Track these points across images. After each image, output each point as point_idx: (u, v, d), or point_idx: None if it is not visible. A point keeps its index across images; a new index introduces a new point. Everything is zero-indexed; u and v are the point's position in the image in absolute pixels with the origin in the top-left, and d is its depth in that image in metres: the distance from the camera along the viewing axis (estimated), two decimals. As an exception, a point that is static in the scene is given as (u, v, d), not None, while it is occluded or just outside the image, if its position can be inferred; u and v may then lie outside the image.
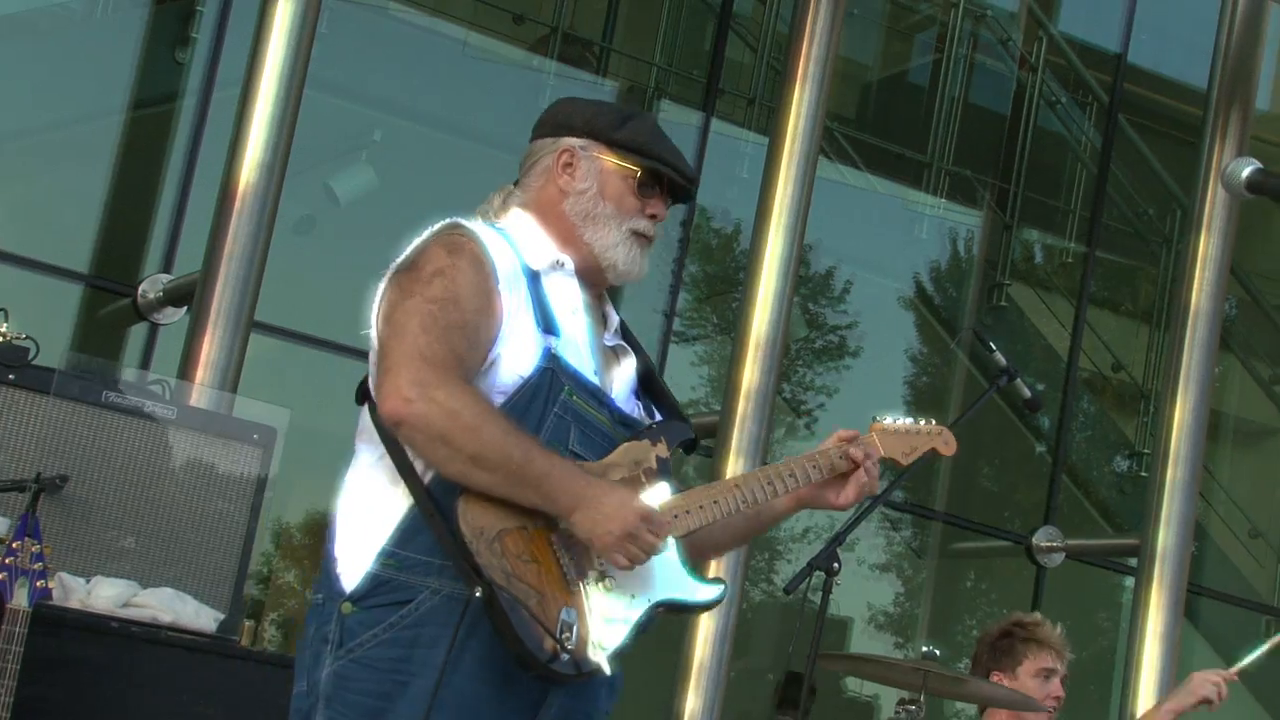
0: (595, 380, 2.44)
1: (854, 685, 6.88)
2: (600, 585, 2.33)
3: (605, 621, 2.31)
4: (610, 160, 2.46)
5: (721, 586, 2.46)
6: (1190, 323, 6.00)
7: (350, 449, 2.36)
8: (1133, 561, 5.97)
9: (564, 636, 2.23)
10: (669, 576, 2.40)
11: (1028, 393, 3.31)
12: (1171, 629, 5.70)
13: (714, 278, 6.80)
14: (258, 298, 4.75)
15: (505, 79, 6.63)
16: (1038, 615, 4.10)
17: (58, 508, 2.99)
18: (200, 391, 4.34)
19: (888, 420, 2.68)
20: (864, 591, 7.00)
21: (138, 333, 5.72)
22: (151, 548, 3.04)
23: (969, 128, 7.15)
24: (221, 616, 2.85)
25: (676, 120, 6.74)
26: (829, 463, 2.54)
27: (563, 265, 2.45)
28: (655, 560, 2.35)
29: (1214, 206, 5.90)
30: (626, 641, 2.33)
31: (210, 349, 4.58)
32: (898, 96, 7.61)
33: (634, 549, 2.29)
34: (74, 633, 2.82)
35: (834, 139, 6.93)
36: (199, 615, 2.77)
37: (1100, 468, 7.42)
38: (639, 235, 2.48)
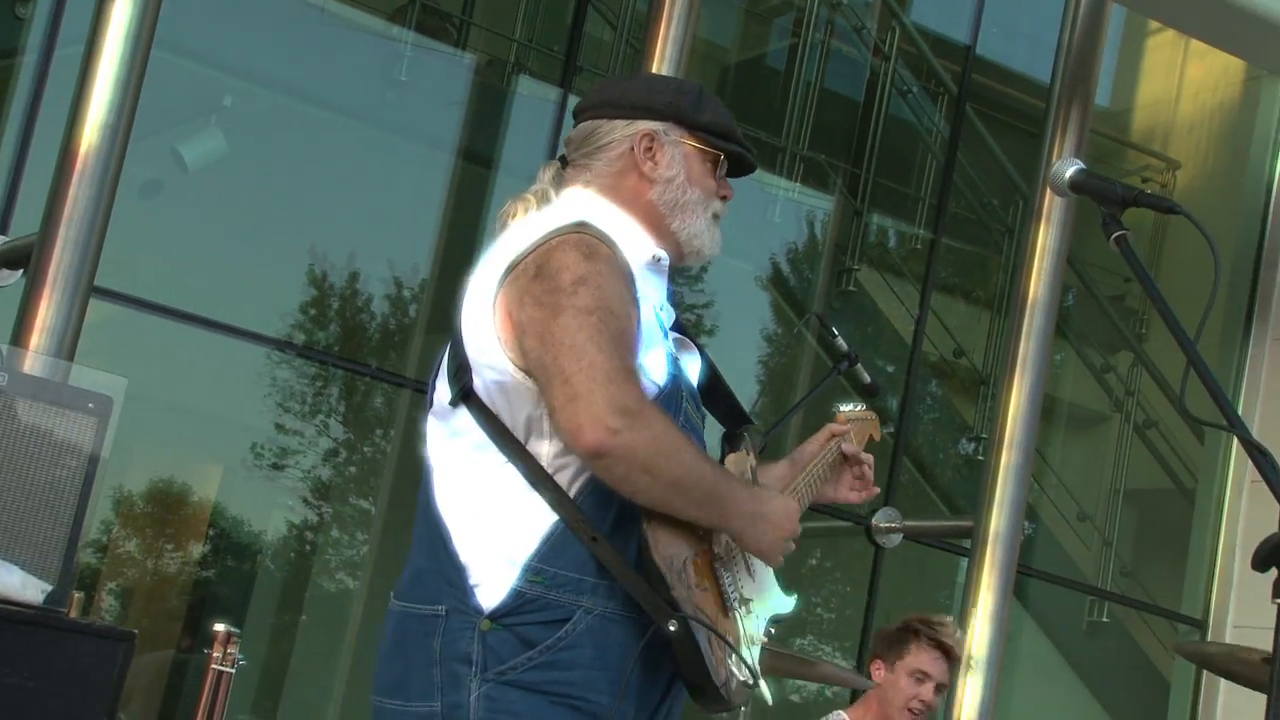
0: (695, 387, 2.38)
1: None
2: (745, 608, 2.30)
3: (750, 645, 2.28)
4: (692, 144, 2.37)
5: (795, 596, 2.46)
6: (1028, 311, 6.15)
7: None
8: (967, 543, 6.12)
9: (734, 663, 2.20)
10: (773, 591, 2.40)
11: (867, 378, 3.39)
12: (1001, 608, 5.85)
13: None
14: (98, 262, 4.65)
15: (362, 47, 6.57)
16: (946, 618, 4.09)
17: (-120, 474, 2.93)
18: (34, 358, 4.24)
19: (848, 408, 2.67)
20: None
21: (-29, 295, 5.59)
22: (-21, 517, 2.98)
23: (824, 113, 7.24)
24: (49, 588, 2.81)
25: (535, 95, 6.74)
26: (837, 459, 2.55)
27: (659, 261, 2.35)
28: (766, 579, 2.36)
29: (1053, 199, 6.04)
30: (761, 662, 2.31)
31: (46, 314, 4.47)
32: (755, 80, 7.68)
33: (790, 547, 2.31)
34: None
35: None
36: (25, 587, 2.71)
37: (945, 450, 7.58)
38: (716, 217, 2.42)
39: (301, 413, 6.39)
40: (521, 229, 2.29)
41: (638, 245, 2.33)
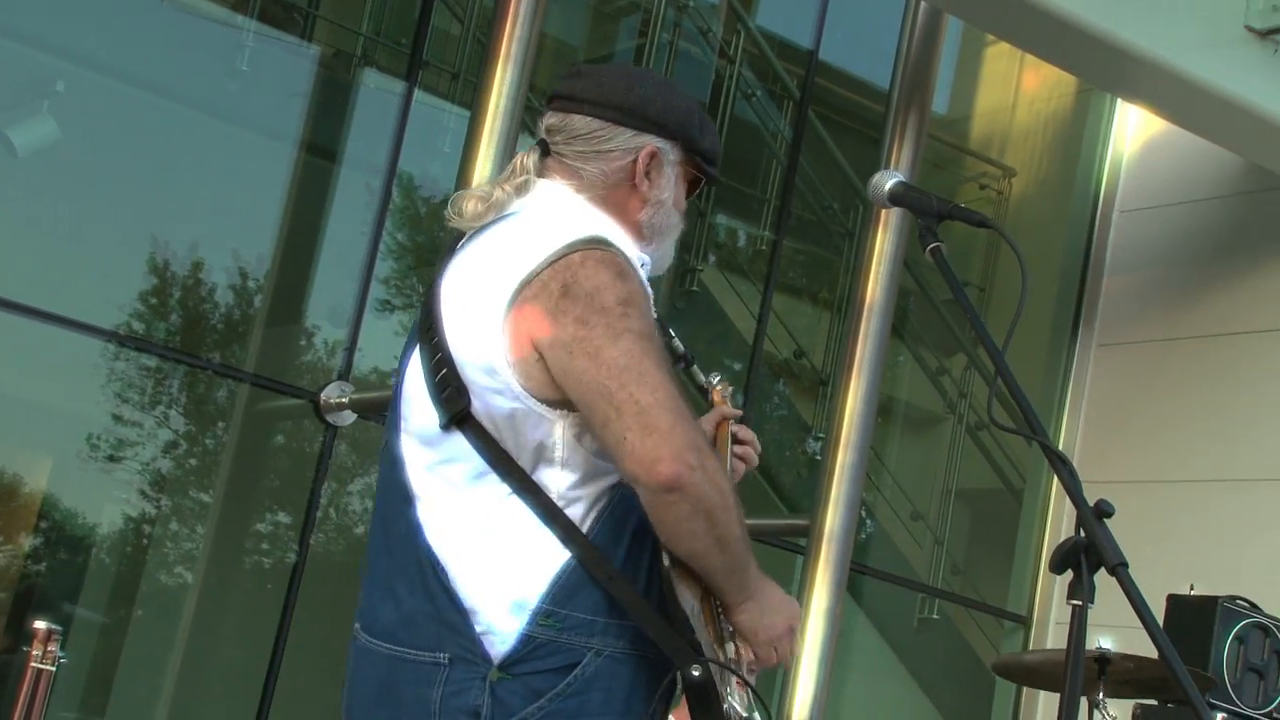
0: None
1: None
2: (734, 641, 2.20)
3: (748, 677, 2.20)
4: (687, 168, 2.30)
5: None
6: (865, 314, 6.26)
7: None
8: (803, 541, 6.22)
9: (748, 703, 2.13)
10: None
11: (701, 378, 3.45)
12: (834, 606, 5.95)
13: (423, 248, 6.78)
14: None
15: (202, 35, 6.46)
16: None
17: None
18: None
19: (719, 383, 2.60)
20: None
21: None
22: None
23: (670, 113, 7.29)
24: None
25: (380, 88, 6.70)
26: (725, 442, 2.46)
27: (644, 266, 2.25)
28: None
29: (891, 204, 6.15)
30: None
31: None
32: (602, 79, 7.70)
33: (785, 649, 2.18)
34: None
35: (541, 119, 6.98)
36: None
37: (789, 450, 7.69)
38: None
39: (141, 404, 6.28)
40: (517, 238, 2.16)
41: (632, 254, 2.23)
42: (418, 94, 6.55)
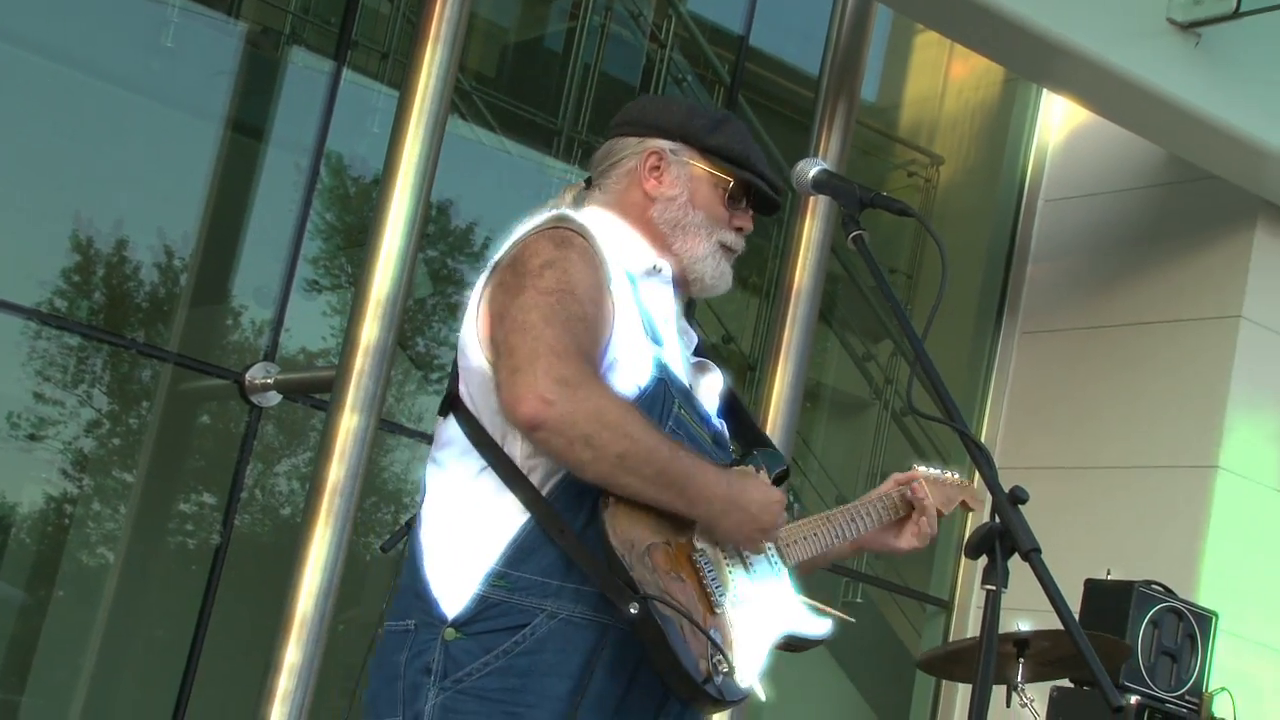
0: (699, 399, 2.32)
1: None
2: (739, 610, 2.19)
3: (746, 645, 2.17)
4: (701, 167, 2.34)
5: (830, 621, 2.35)
6: (793, 299, 6.30)
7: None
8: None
9: (716, 659, 2.09)
10: (791, 608, 2.30)
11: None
12: (758, 588, 5.99)
13: (352, 228, 6.74)
14: None
15: (125, 12, 6.38)
16: None
17: None
18: None
19: (923, 469, 2.63)
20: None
21: None
22: None
23: (600, 97, 7.29)
24: None
25: (308, 67, 6.65)
26: (893, 505, 2.51)
27: (659, 271, 2.32)
28: (777, 588, 2.27)
29: (819, 191, 6.18)
30: (764, 666, 2.19)
31: None
32: (533, 61, 7.70)
33: (771, 539, 2.23)
34: None
35: (471, 101, 6.96)
36: None
37: (716, 433, 7.71)
38: (726, 248, 2.37)
39: (63, 383, 6.22)
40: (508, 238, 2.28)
41: (637, 254, 2.31)
42: (346, 73, 6.51)
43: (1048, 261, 7.72)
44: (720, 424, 2.37)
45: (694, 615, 2.10)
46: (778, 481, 2.37)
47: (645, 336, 2.24)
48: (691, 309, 2.50)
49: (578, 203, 2.36)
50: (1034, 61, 6.34)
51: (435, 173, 5.60)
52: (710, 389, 2.40)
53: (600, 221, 2.30)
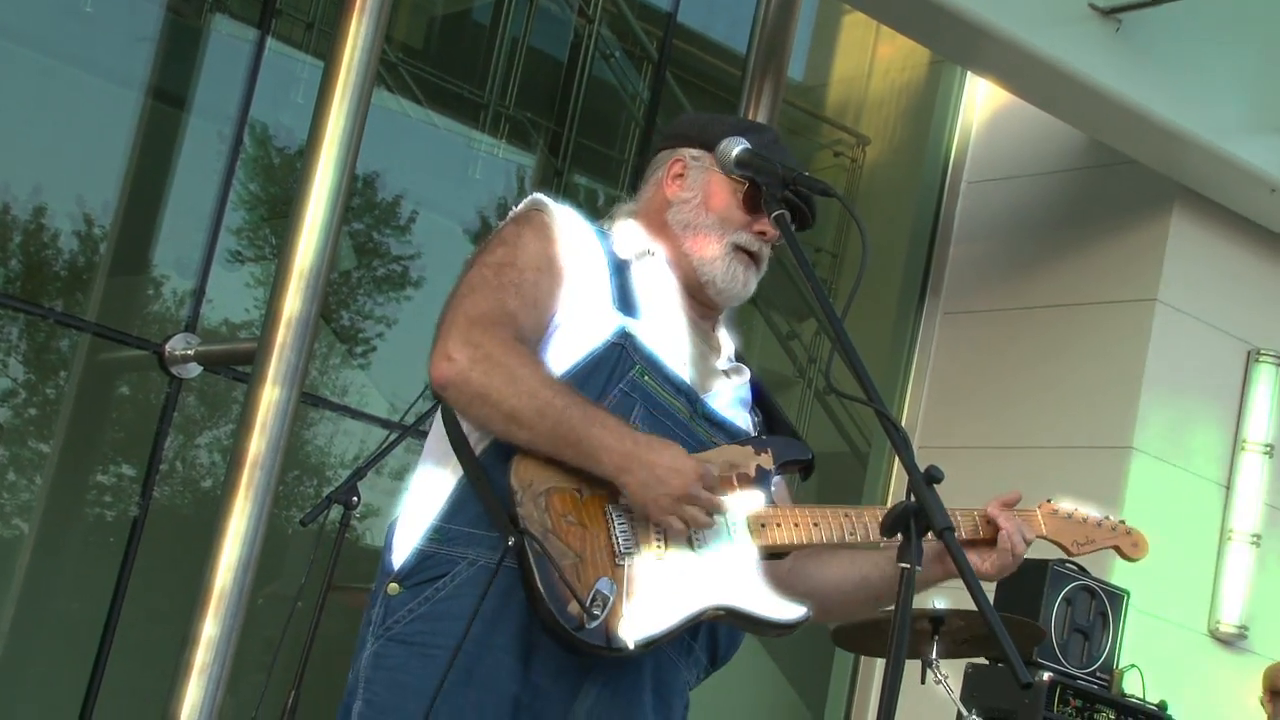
0: (680, 374, 2.29)
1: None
2: (656, 566, 2.15)
3: (650, 605, 2.13)
4: (720, 171, 2.38)
5: (805, 610, 2.22)
6: (718, 277, 6.31)
7: None
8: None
9: (593, 604, 2.07)
10: (742, 584, 2.21)
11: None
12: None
13: (277, 199, 6.68)
14: None
15: (40, -17, 6.29)
16: None
17: None
18: None
19: (1063, 505, 2.55)
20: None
21: None
22: None
23: (528, 71, 7.27)
24: None
25: (232, 35, 6.57)
26: (970, 524, 2.38)
27: (652, 254, 2.35)
28: (729, 562, 2.19)
29: (742, 169, 6.20)
30: (668, 633, 2.13)
31: None
32: (460, 34, 7.66)
33: (692, 511, 2.14)
34: None
35: (398, 73, 6.91)
36: None
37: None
38: (741, 250, 2.37)
39: (-22, 351, 6.13)
40: None
41: (632, 240, 2.36)
42: (271, 42, 6.44)
43: (970, 243, 7.79)
44: (741, 416, 2.36)
45: (579, 561, 2.09)
46: (805, 474, 2.36)
47: (614, 306, 2.26)
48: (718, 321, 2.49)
49: (615, 212, 2.44)
50: (958, 44, 6.39)
51: (360, 145, 5.55)
52: (733, 384, 2.40)
53: (622, 228, 2.39)
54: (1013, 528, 2.40)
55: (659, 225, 2.39)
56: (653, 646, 2.13)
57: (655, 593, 2.14)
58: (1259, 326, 7.20)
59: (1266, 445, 7.08)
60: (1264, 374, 7.12)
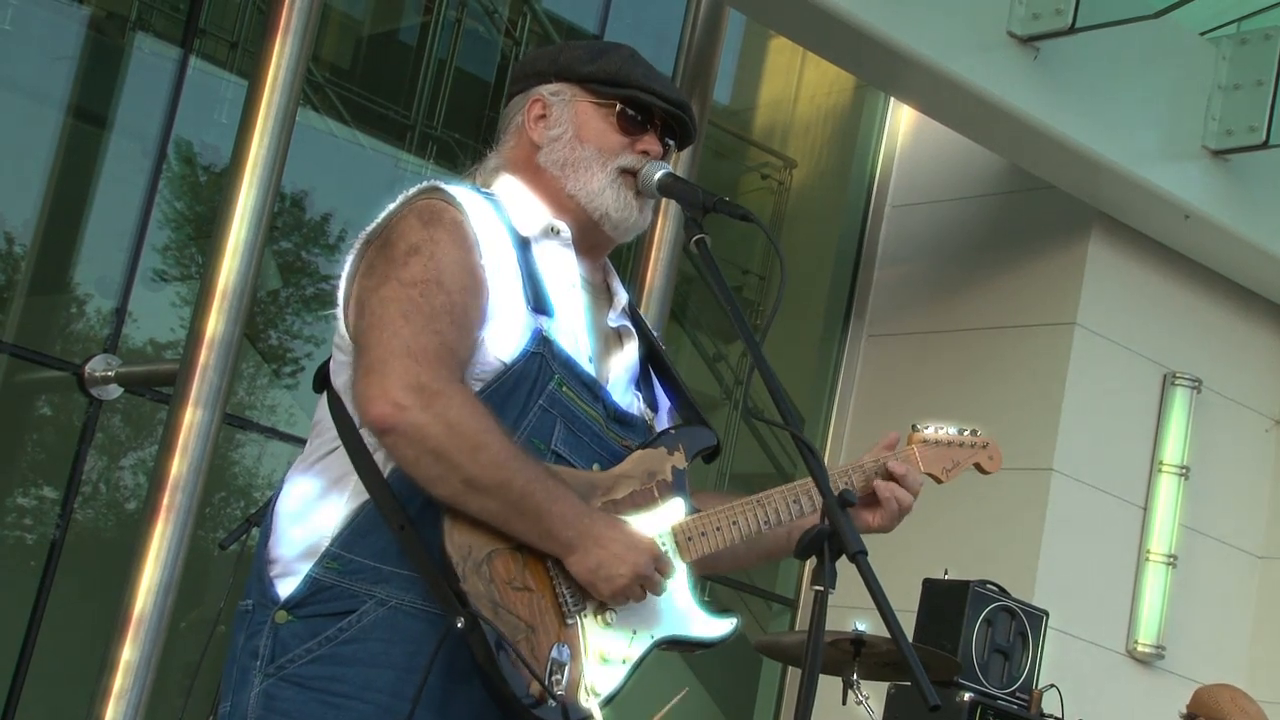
0: (590, 369, 2.18)
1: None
2: (599, 619, 2.08)
3: (601, 662, 2.07)
4: (585, 100, 2.22)
5: (734, 622, 2.21)
6: (644, 298, 6.35)
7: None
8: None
9: (554, 679, 1.99)
10: (675, 609, 2.16)
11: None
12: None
13: (202, 218, 6.63)
14: None
15: (-37, -8, 6.22)
16: None
17: None
18: None
19: (929, 430, 2.45)
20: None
21: None
22: None
23: (455, 92, 7.27)
24: None
25: (155, 54, 6.53)
26: (863, 478, 2.32)
27: (558, 233, 2.20)
28: (666, 591, 2.13)
29: (670, 192, 6.24)
30: (622, 685, 2.09)
31: None
32: (387, 55, 7.65)
33: (640, 592, 2.07)
34: None
35: (325, 93, 6.89)
36: None
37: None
38: (627, 173, 2.23)
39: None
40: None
41: (533, 215, 2.20)
42: (194, 61, 6.41)
43: (894, 266, 7.86)
44: (631, 398, 2.26)
45: (531, 633, 2.01)
46: (709, 457, 2.27)
47: (527, 307, 2.13)
48: (616, 262, 2.38)
49: (490, 169, 2.26)
50: (879, 69, 6.46)
51: (284, 165, 5.53)
52: (626, 358, 2.29)
53: (501, 186, 2.22)
54: (901, 470, 2.34)
55: (533, 172, 2.23)
56: (614, 700, 2.09)
57: (606, 645, 2.10)
58: (1175, 350, 7.32)
59: (1182, 467, 7.19)
60: (1179, 397, 7.23)
